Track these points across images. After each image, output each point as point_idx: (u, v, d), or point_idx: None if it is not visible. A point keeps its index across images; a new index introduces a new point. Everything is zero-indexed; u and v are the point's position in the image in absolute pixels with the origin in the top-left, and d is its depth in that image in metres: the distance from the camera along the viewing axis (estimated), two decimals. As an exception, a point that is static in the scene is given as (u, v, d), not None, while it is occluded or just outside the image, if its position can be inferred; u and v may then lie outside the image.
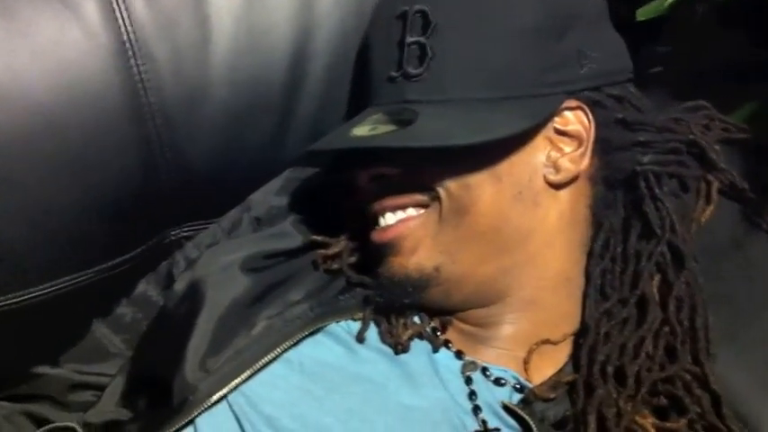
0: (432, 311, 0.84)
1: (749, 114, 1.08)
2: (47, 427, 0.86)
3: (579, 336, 0.81)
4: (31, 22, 0.86)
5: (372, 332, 0.83)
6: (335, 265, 0.86)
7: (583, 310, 0.82)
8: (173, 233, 1.00)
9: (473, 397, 0.78)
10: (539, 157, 0.81)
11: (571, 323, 0.82)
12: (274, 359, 0.80)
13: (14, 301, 0.91)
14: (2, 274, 0.90)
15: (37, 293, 0.92)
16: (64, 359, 0.95)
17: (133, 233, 0.97)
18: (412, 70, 0.80)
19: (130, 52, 0.89)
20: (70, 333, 0.94)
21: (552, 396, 0.77)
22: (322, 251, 0.87)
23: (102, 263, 0.95)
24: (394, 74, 0.82)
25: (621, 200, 0.84)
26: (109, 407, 0.89)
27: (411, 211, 0.81)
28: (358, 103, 0.90)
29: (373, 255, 0.84)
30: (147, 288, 0.95)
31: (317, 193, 0.93)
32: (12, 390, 0.93)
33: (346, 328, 0.83)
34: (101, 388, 0.92)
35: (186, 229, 1.00)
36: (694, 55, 1.21)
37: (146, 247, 0.98)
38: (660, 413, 0.76)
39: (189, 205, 0.98)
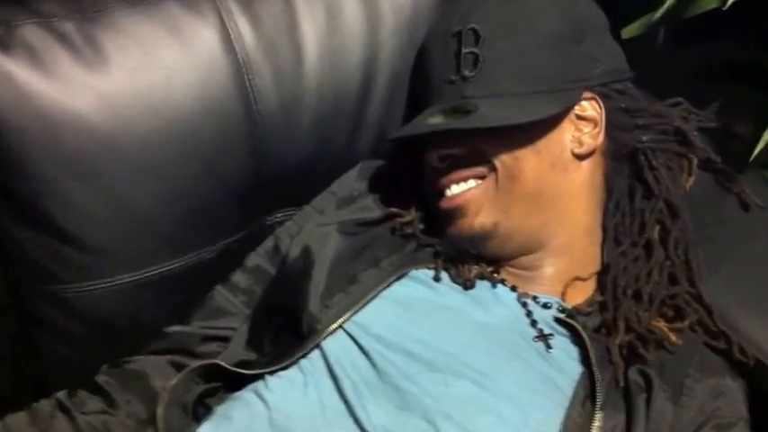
0: (489, 260, 1.03)
1: (717, 110, 1.31)
2: (194, 365, 1.00)
3: (601, 273, 1.03)
4: (168, 48, 1.06)
5: (444, 276, 1.01)
6: (409, 230, 1.05)
7: (601, 255, 1.04)
8: (270, 218, 1.18)
9: (530, 314, 0.98)
10: (566, 135, 1.02)
11: (595, 264, 1.04)
12: (374, 297, 0.98)
13: (161, 269, 1.10)
14: (152, 247, 1.09)
15: (176, 264, 1.11)
16: (192, 318, 1.10)
17: (242, 216, 1.15)
18: (468, 73, 1.00)
19: (244, 70, 1.09)
20: (196, 298, 1.10)
21: (589, 310, 0.99)
22: (399, 219, 1.06)
23: (223, 239, 1.14)
24: (453, 77, 1.02)
25: (627, 169, 1.05)
26: (238, 350, 1.05)
27: (471, 183, 1.01)
28: (417, 105, 1.09)
29: (442, 218, 1.03)
30: (257, 260, 1.11)
31: (389, 176, 1.12)
32: (150, 347, 1.09)
33: (424, 273, 1.01)
34: (226, 339, 1.07)
35: (280, 214, 1.18)
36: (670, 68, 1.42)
37: (249, 230, 1.16)
38: (668, 320, 0.99)
39: (283, 194, 1.16)
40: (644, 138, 1.05)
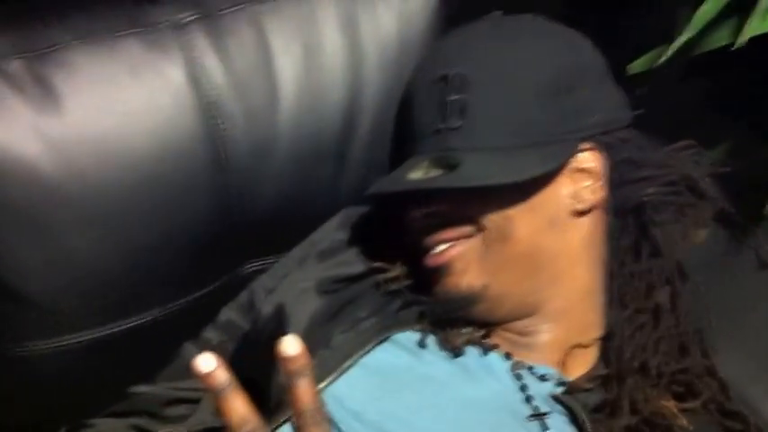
0: (479, 324, 0.95)
1: (727, 151, 1.23)
2: None
3: (604, 340, 0.94)
4: (127, 89, 0.98)
5: (431, 340, 0.93)
6: (394, 287, 0.98)
7: (603, 320, 0.95)
8: (245, 268, 1.10)
9: (525, 389, 0.90)
10: (563, 190, 0.93)
11: (596, 329, 0.95)
12: (352, 365, 0.90)
13: (115, 330, 1.02)
14: (104, 306, 1.01)
15: (134, 322, 1.03)
16: (158, 378, 1.03)
17: (211, 268, 1.07)
18: (454, 123, 0.92)
19: (211, 113, 1.01)
20: (162, 357, 1.03)
21: (590, 386, 0.90)
22: (382, 275, 0.98)
23: (186, 295, 1.06)
24: (437, 126, 0.93)
25: (631, 225, 0.96)
26: (206, 416, 0.97)
27: (459, 241, 0.93)
28: (400, 154, 1.01)
29: (428, 276, 0.95)
30: (230, 315, 1.04)
31: (373, 227, 1.04)
32: (112, 408, 1.01)
33: (408, 337, 0.93)
34: (194, 401, 1.00)
35: (257, 263, 1.10)
36: (675, 103, 1.35)
37: (222, 281, 1.08)
38: (678, 399, 0.90)
39: (259, 243, 1.08)
40: (649, 190, 0.96)
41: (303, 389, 0.66)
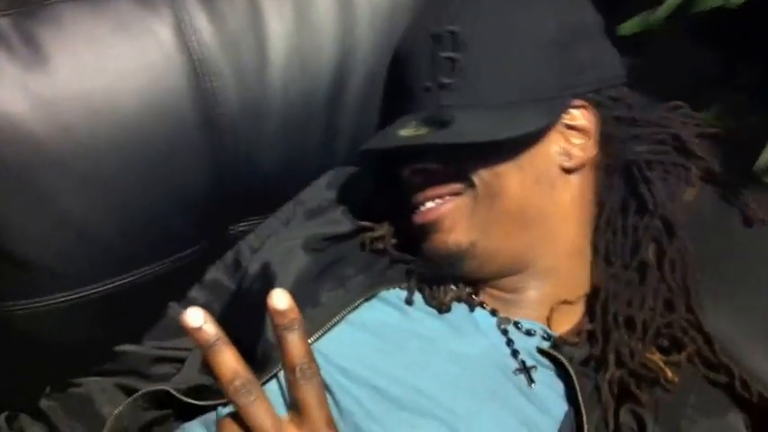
0: (467, 281, 0.95)
1: (716, 113, 1.22)
2: (142, 391, 0.92)
3: (590, 296, 0.94)
4: (116, 47, 0.97)
5: (418, 297, 0.94)
6: (380, 246, 0.98)
7: (591, 276, 0.96)
8: (233, 227, 1.10)
9: (511, 344, 0.90)
10: (554, 147, 0.93)
11: (583, 286, 0.95)
12: (339, 322, 0.90)
13: (108, 287, 1.02)
14: (91, 265, 1.01)
15: (125, 280, 1.03)
16: (144, 338, 1.03)
17: (200, 228, 1.07)
18: (445, 80, 0.92)
19: (201, 71, 1.00)
20: (149, 317, 1.04)
21: (576, 341, 0.90)
22: (368, 234, 0.99)
23: (174, 255, 1.06)
24: (429, 84, 0.93)
25: (620, 183, 0.96)
26: (192, 374, 0.98)
27: (448, 198, 0.93)
28: (391, 112, 1.01)
29: (416, 234, 0.95)
30: (216, 274, 1.05)
31: (362, 186, 1.05)
32: (100, 367, 1.02)
33: (396, 294, 0.94)
34: (180, 360, 1.01)
35: (245, 223, 1.10)
36: (669, 66, 1.35)
37: (211, 240, 1.08)
38: (664, 352, 0.90)
39: (249, 203, 1.08)
40: (639, 149, 0.97)
41: (294, 343, 0.67)
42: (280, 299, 0.66)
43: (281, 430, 0.67)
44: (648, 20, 1.14)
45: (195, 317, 0.65)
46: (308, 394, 0.67)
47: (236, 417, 0.68)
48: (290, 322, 0.66)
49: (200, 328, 0.65)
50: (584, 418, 0.83)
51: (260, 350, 0.90)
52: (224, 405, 0.88)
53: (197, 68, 1.01)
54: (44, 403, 0.99)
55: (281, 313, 0.66)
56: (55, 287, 1.01)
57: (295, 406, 0.68)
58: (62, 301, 1.01)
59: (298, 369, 0.67)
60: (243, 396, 0.66)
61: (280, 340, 0.66)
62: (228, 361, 0.66)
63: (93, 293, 1.03)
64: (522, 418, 0.85)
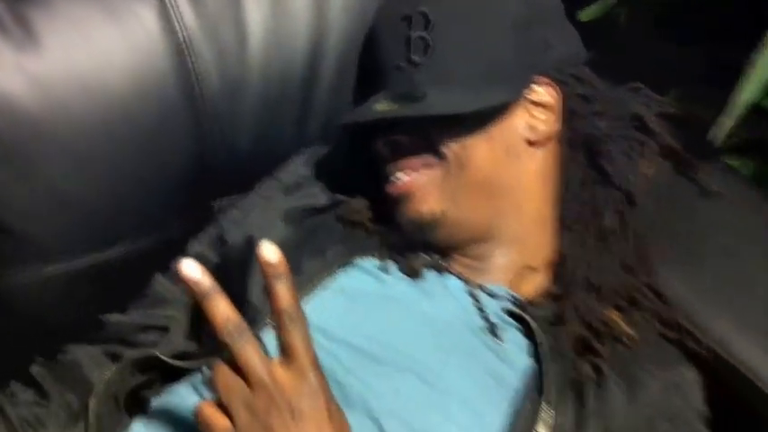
0: (437, 249, 1.00)
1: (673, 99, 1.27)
2: (132, 356, 0.95)
3: (554, 262, 1.00)
4: (103, 29, 1.02)
5: (392, 266, 0.98)
6: (356, 218, 1.02)
7: (555, 243, 1.01)
8: (216, 202, 1.12)
9: (479, 306, 0.96)
10: (519, 121, 0.98)
11: (547, 253, 1.01)
12: (317, 287, 0.94)
13: (96, 258, 1.07)
14: (81, 238, 1.06)
15: (111, 253, 1.08)
16: (130, 307, 1.07)
17: (185, 202, 1.12)
18: (417, 59, 0.97)
19: (184, 52, 1.05)
20: (136, 289, 1.07)
21: (541, 301, 0.96)
22: (345, 207, 1.03)
23: (162, 226, 1.11)
24: (401, 63, 0.98)
25: (582, 156, 1.01)
26: (178, 340, 1.02)
27: (421, 170, 0.97)
28: (365, 91, 1.04)
29: (390, 205, 1.00)
30: (200, 248, 1.07)
31: (337, 162, 1.09)
32: (88, 335, 1.05)
33: (371, 262, 0.98)
34: (164, 329, 1.04)
35: (227, 198, 1.11)
36: (627, 53, 1.40)
37: (193, 216, 1.12)
38: (623, 312, 0.96)
39: (231, 179, 1.12)
40: (601, 124, 1.02)
41: (282, 291, 0.72)
42: (270, 251, 0.71)
43: (270, 369, 0.72)
44: (607, 6, 1.20)
45: (192, 267, 0.69)
46: (296, 337, 0.72)
47: (229, 363, 0.73)
48: (279, 272, 0.71)
49: (194, 279, 0.69)
50: (546, 371, 0.89)
51: (245, 312, 0.92)
52: (209, 367, 0.91)
53: (180, 50, 1.06)
54: (35, 370, 1.03)
55: (271, 264, 0.71)
56: (44, 259, 1.05)
57: (283, 349, 0.73)
58: (51, 274, 1.06)
59: (285, 314, 0.72)
60: (235, 339, 0.71)
61: (269, 288, 0.71)
62: (222, 308, 0.71)
63: (83, 265, 1.07)
64: (489, 369, 0.90)
